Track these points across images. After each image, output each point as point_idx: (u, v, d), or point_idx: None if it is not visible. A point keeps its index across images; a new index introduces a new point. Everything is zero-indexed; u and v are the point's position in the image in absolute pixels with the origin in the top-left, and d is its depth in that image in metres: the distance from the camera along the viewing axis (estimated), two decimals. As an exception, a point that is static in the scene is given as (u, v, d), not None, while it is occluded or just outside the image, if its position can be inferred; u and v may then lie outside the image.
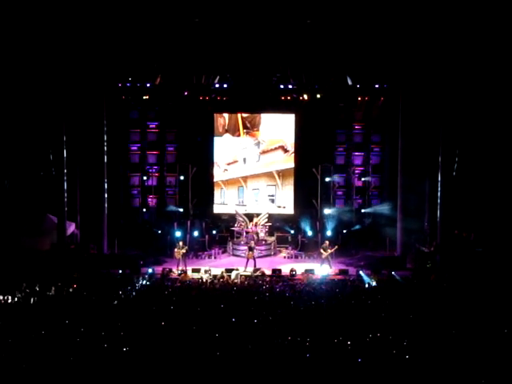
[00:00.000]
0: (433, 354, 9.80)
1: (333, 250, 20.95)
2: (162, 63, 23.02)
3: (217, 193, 25.80)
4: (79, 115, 22.16)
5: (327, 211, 24.06)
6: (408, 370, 9.18)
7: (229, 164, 25.73)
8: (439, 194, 20.30)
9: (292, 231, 24.39)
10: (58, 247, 20.41)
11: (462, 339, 10.65)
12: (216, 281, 18.23)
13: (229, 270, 19.78)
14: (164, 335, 10.81)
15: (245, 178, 25.69)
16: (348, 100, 24.88)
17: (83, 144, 22.46)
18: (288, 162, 25.30)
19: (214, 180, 25.69)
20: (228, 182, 25.80)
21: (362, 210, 25.00)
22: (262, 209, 24.80)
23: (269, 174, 25.54)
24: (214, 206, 25.73)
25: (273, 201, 25.53)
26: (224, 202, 25.77)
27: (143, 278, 18.44)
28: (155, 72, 23.52)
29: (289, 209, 25.41)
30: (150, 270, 19.49)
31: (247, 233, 23.58)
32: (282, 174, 25.44)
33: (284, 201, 25.48)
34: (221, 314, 12.65)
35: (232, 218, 24.66)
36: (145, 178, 25.70)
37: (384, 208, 23.94)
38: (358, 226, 24.08)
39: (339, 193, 25.78)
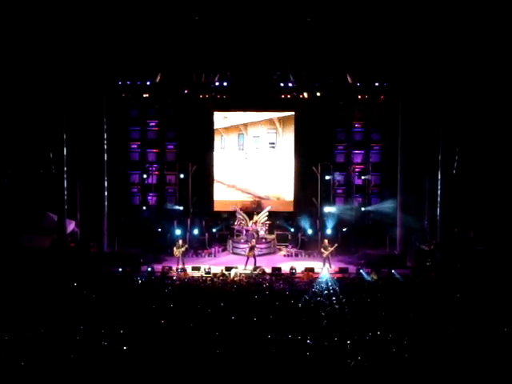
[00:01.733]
0: (433, 353, 9.80)
1: (333, 249, 20.96)
2: (162, 61, 22.98)
3: (217, 139, 25.49)
4: (79, 113, 22.15)
5: (327, 209, 24.05)
6: (408, 368, 9.19)
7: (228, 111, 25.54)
8: (439, 191, 20.31)
9: (292, 229, 24.40)
10: (58, 245, 20.40)
11: (462, 338, 10.65)
12: (216, 279, 18.23)
13: (228, 268, 19.77)
14: (163, 333, 10.81)
15: (245, 125, 25.53)
16: (348, 98, 24.90)
17: (83, 142, 22.46)
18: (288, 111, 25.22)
19: (214, 128, 25.37)
20: (228, 130, 25.59)
21: (362, 209, 25.02)
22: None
23: (269, 121, 25.44)
24: (214, 204, 25.63)
25: (274, 147, 25.34)
26: (223, 147, 25.59)
27: (143, 276, 18.43)
28: (155, 70, 23.51)
29: (288, 206, 25.37)
30: (150, 269, 19.47)
31: (247, 231, 23.58)
32: (283, 120, 25.31)
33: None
34: (220, 312, 12.66)
35: (232, 216, 24.67)
36: (145, 176, 25.70)
37: (384, 206, 23.93)
38: (358, 224, 24.09)
39: (339, 191, 25.76)
